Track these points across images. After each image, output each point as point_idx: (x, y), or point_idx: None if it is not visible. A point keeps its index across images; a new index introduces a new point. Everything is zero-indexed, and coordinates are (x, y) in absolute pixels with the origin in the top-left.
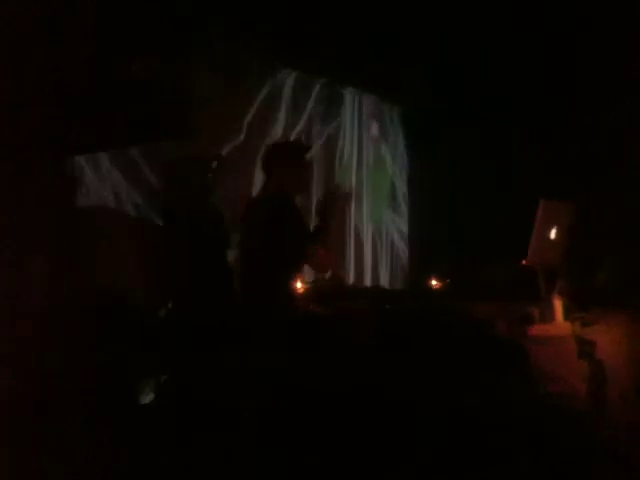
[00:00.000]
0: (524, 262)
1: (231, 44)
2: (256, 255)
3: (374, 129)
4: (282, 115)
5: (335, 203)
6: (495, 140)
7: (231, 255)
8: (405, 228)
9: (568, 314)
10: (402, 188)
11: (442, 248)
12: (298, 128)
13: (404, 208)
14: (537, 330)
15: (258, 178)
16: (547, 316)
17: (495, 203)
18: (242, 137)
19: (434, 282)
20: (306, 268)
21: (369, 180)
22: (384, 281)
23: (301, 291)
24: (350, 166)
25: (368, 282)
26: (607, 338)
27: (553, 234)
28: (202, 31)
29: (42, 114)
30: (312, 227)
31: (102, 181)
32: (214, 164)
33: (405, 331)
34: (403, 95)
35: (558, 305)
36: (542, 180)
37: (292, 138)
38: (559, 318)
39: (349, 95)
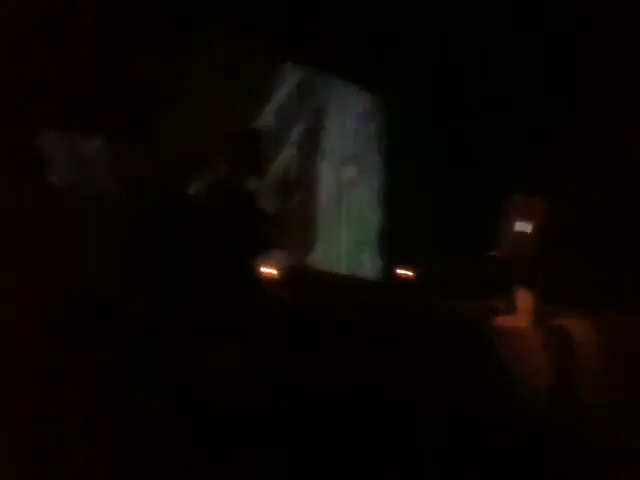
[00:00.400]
0: (492, 254)
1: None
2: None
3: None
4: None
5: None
6: (466, 133)
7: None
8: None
9: (536, 306)
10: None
11: (414, 240)
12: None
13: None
14: (504, 321)
15: None
16: (514, 308)
17: (466, 196)
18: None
19: (406, 273)
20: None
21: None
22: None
23: (273, 277)
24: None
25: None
26: (574, 331)
27: (522, 227)
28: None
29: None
30: None
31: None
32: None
33: (373, 322)
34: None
35: (526, 297)
36: (515, 174)
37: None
38: (526, 310)
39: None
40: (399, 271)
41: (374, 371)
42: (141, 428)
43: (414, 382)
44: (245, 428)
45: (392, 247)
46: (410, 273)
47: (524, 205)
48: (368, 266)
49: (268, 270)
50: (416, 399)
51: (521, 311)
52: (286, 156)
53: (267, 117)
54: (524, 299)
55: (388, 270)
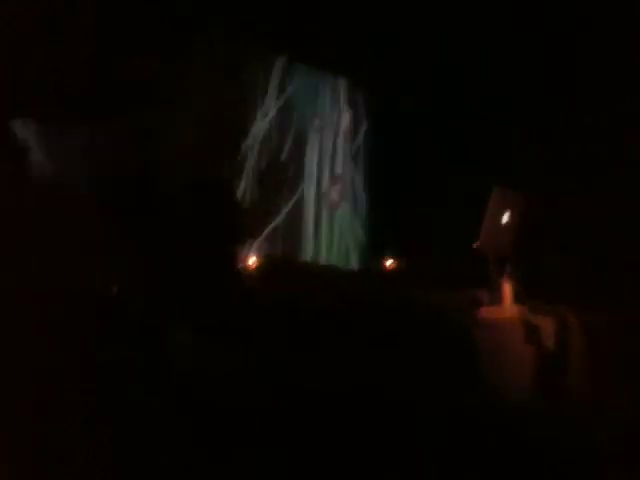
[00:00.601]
0: (474, 246)
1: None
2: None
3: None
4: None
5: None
6: (450, 125)
7: None
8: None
9: (517, 298)
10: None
11: (396, 231)
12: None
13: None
14: (485, 313)
15: None
16: (496, 299)
17: (449, 188)
18: None
19: (388, 263)
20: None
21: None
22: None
23: (253, 267)
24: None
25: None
26: (555, 324)
27: (505, 219)
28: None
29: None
30: None
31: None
32: None
33: (352, 311)
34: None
35: (507, 289)
36: (496, 166)
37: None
38: (508, 302)
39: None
40: (381, 262)
41: (353, 362)
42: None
43: (394, 372)
44: (229, 421)
45: (374, 239)
46: (391, 263)
47: (504, 197)
48: (350, 258)
49: (247, 260)
50: (396, 390)
51: (505, 303)
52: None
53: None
54: (508, 291)
55: (370, 261)
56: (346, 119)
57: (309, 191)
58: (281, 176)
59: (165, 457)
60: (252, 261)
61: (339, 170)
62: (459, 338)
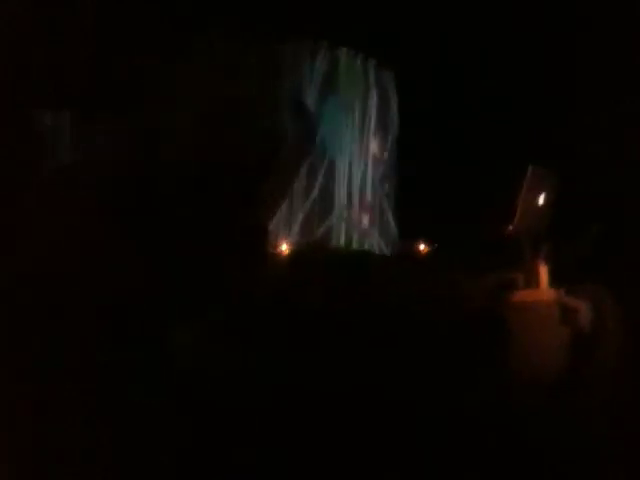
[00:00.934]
0: (510, 228)
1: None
2: None
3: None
4: None
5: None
6: (483, 107)
7: None
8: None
9: (552, 281)
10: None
11: (430, 214)
12: None
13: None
14: (521, 296)
15: None
16: (531, 282)
17: (483, 169)
18: None
19: (421, 247)
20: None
21: None
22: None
23: (285, 254)
24: None
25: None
26: (591, 307)
27: (540, 201)
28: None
29: None
30: None
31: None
32: None
33: (384, 303)
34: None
35: (543, 271)
36: (530, 147)
37: None
38: (543, 284)
39: None
40: (413, 246)
41: (390, 347)
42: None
43: (425, 355)
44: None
45: (408, 223)
46: (425, 247)
47: (540, 178)
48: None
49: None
50: (425, 375)
51: (541, 285)
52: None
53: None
54: (544, 273)
55: (404, 245)
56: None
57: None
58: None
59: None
60: (285, 247)
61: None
62: (491, 322)
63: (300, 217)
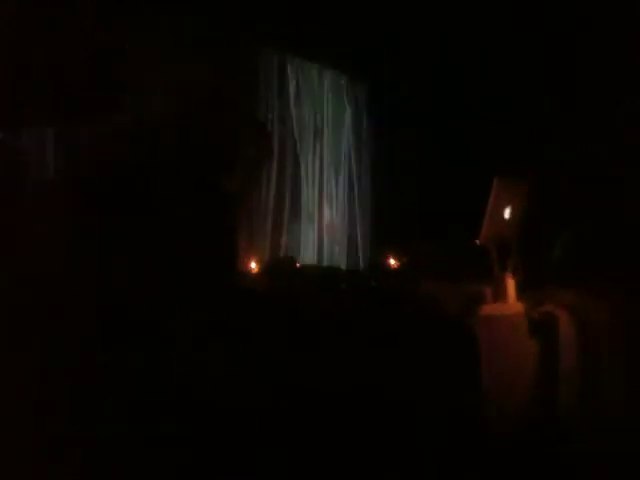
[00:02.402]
0: (477, 241)
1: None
2: None
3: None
4: None
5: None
6: (449, 118)
7: None
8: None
9: (520, 293)
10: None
11: (398, 227)
12: None
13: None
14: (489, 309)
15: None
16: (499, 295)
17: (449, 181)
18: None
19: (391, 261)
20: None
21: None
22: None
23: (255, 271)
24: None
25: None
26: (559, 317)
27: (507, 212)
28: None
29: None
30: None
31: None
32: None
33: (351, 313)
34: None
35: (511, 284)
36: (496, 158)
37: None
38: (511, 297)
39: None
40: (383, 259)
41: (352, 362)
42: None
43: (394, 371)
44: (228, 422)
45: (376, 236)
46: (393, 261)
47: (506, 188)
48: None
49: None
50: (397, 389)
51: (509, 298)
52: None
53: None
54: (512, 286)
55: (372, 258)
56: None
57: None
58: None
59: (165, 457)
60: (254, 264)
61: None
62: (461, 335)
63: (266, 229)
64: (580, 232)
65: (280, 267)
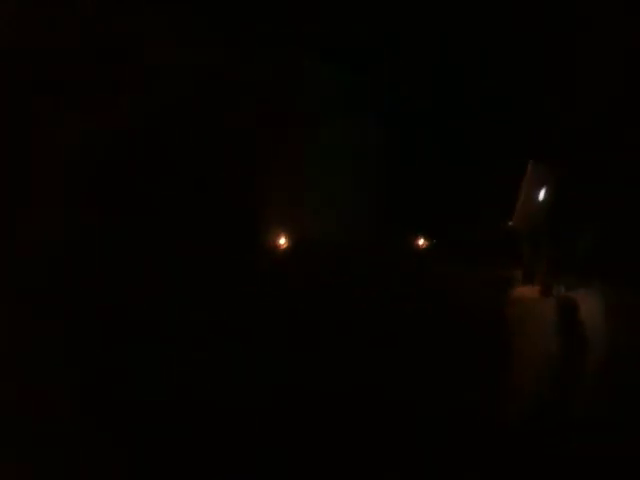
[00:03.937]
0: (510, 224)
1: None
2: None
3: None
4: None
5: None
6: (481, 104)
7: None
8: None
9: (551, 278)
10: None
11: (428, 209)
12: None
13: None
14: (519, 292)
15: None
16: (530, 279)
17: (482, 165)
18: None
19: (419, 242)
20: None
21: None
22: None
23: (284, 248)
24: None
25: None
26: (588, 302)
27: (540, 196)
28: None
29: None
30: None
31: None
32: None
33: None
34: None
35: (541, 269)
36: (532, 141)
37: None
38: (542, 281)
39: None
40: (415, 241)
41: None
42: (139, 427)
43: (424, 353)
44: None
45: (406, 219)
46: (425, 243)
47: (540, 172)
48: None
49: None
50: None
51: (541, 282)
52: None
53: None
54: (543, 269)
55: (404, 241)
56: None
57: None
58: None
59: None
60: (283, 242)
61: None
62: (490, 318)
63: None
64: (610, 224)
65: (306, 246)
